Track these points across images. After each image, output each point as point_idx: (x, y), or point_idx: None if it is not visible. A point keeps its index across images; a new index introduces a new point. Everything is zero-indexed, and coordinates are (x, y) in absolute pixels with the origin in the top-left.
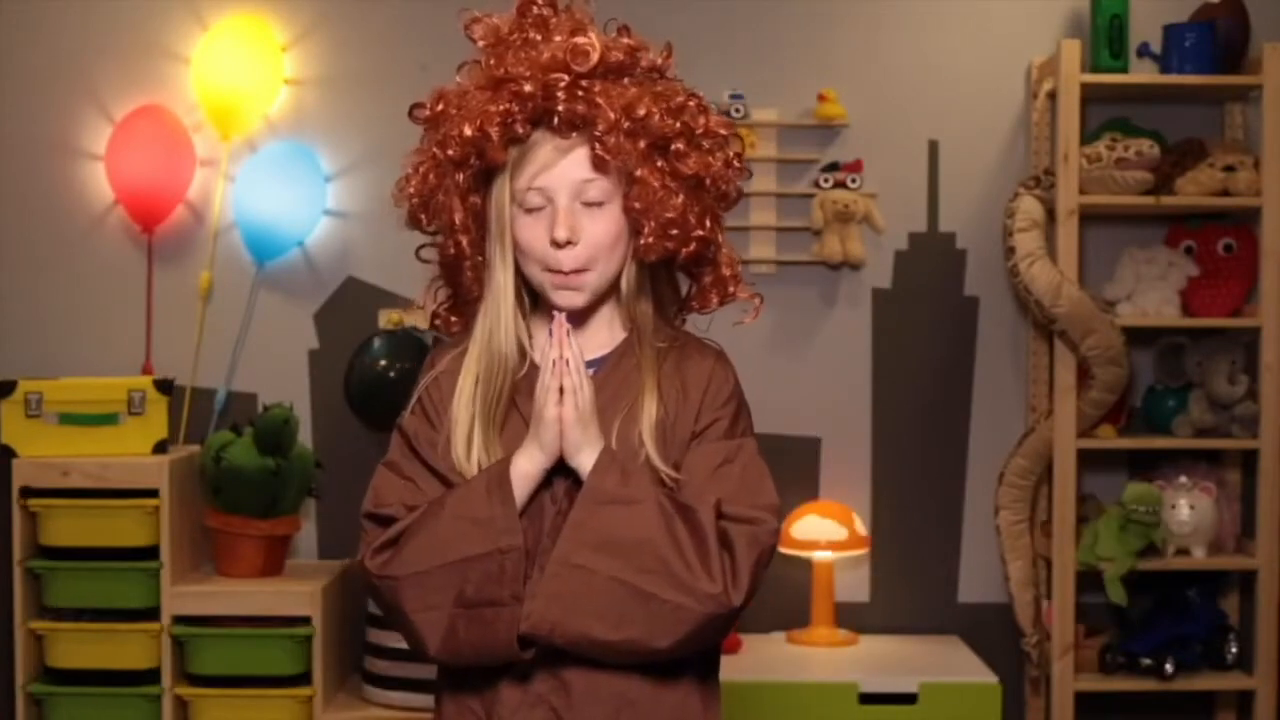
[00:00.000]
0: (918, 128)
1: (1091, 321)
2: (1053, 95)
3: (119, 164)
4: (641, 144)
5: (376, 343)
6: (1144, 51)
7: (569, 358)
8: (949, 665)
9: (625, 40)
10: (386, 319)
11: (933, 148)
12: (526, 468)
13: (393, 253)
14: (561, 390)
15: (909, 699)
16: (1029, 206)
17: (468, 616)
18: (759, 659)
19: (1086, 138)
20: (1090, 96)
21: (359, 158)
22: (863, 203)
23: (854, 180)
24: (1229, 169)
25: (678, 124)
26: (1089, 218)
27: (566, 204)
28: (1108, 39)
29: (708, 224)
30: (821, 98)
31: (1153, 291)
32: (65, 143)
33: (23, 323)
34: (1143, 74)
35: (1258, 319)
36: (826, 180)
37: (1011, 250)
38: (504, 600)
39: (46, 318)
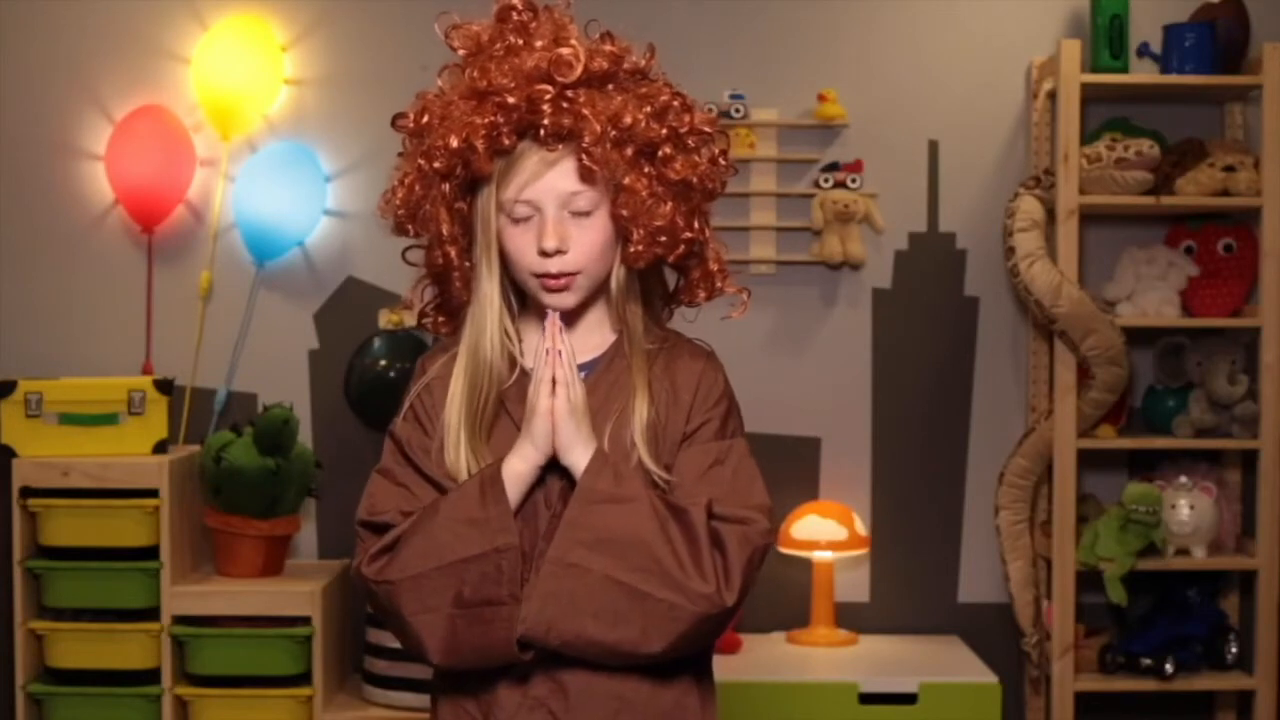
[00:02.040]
0: (918, 128)
1: (1091, 321)
2: (1053, 95)
3: (119, 164)
4: (628, 152)
5: (376, 343)
6: (1144, 51)
7: (561, 349)
8: (949, 665)
9: (608, 47)
10: (386, 319)
11: (933, 148)
12: (519, 467)
13: (393, 253)
14: (554, 383)
15: (909, 699)
16: (1029, 206)
17: (466, 617)
18: (759, 659)
19: (1086, 138)
20: (1090, 96)
21: (359, 158)
22: (863, 203)
23: (854, 180)
24: (1229, 169)
25: (664, 129)
26: (1089, 218)
27: (554, 214)
28: (1108, 39)
29: (695, 225)
30: (821, 98)
31: (1153, 291)
32: (65, 143)
33: (23, 323)
34: (1143, 74)
35: (1258, 319)
36: (826, 180)
37: (1011, 250)
38: (502, 599)
39: (47, 318)
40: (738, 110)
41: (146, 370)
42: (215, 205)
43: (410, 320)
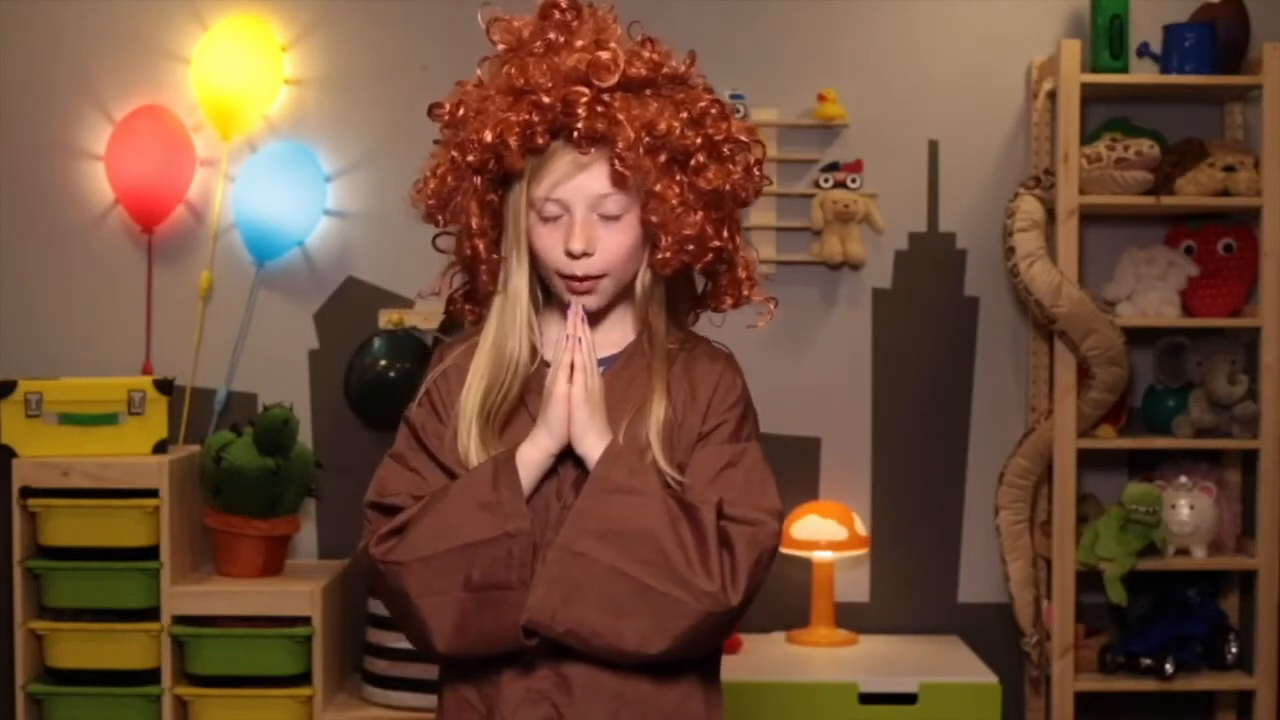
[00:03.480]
0: (918, 128)
1: (1091, 321)
2: (1053, 95)
3: (119, 164)
4: (661, 159)
5: (376, 343)
6: (1144, 51)
7: (581, 336)
8: (949, 665)
9: (649, 53)
10: (386, 319)
11: (933, 148)
12: (533, 454)
13: (393, 253)
14: (572, 368)
15: (909, 699)
16: (1029, 206)
17: (474, 601)
18: (759, 659)
19: (1086, 138)
20: (1090, 96)
21: (359, 158)
22: (863, 203)
23: (854, 180)
24: (1229, 169)
25: (698, 137)
26: (1089, 218)
27: (583, 216)
28: (1108, 39)
29: (725, 233)
30: (821, 98)
31: (1153, 291)
32: (65, 143)
33: (23, 323)
34: (1143, 74)
35: (1258, 319)
36: (826, 180)
37: (1011, 250)
38: (512, 584)
39: (47, 318)
40: (738, 110)
41: (146, 370)
42: (215, 205)
43: (410, 320)
